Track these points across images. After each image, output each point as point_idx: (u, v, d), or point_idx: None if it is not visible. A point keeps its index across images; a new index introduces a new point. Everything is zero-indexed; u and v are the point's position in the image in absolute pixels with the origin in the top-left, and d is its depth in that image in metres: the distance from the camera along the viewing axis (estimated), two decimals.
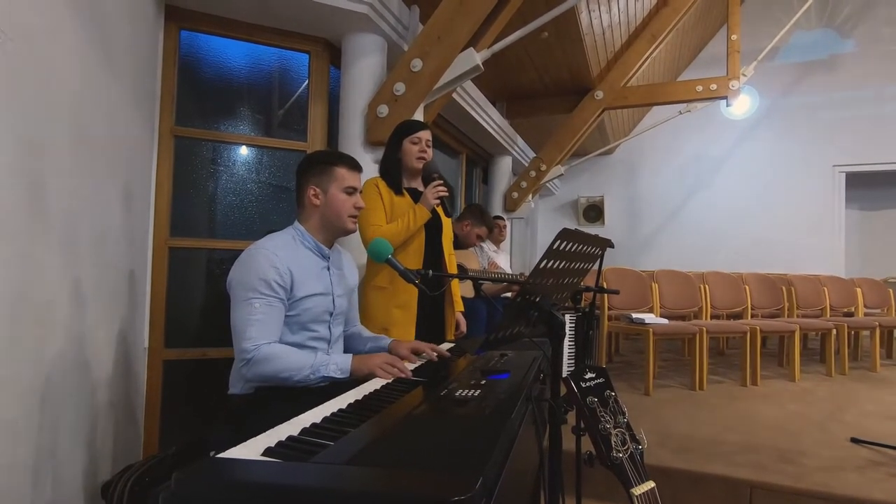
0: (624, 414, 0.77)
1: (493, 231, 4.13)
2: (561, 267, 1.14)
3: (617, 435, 0.73)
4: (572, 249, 1.12)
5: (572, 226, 8.03)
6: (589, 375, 0.79)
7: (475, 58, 2.79)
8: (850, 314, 4.83)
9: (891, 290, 5.05)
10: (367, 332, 1.76)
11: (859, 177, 7.07)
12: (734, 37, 5.07)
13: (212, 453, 1.96)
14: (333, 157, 1.55)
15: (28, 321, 1.40)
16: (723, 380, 3.64)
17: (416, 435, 0.78)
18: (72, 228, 1.62)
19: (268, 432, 0.80)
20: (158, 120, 2.51)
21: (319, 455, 0.69)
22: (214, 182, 2.76)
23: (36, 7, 1.39)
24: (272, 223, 2.88)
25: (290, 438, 0.77)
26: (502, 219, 4.33)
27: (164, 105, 2.52)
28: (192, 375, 2.65)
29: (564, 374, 2.72)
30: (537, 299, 1.08)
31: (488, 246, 3.98)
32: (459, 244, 3.35)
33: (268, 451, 0.72)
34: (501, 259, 4.03)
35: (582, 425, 0.79)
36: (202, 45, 2.72)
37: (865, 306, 4.86)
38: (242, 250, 1.47)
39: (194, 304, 2.73)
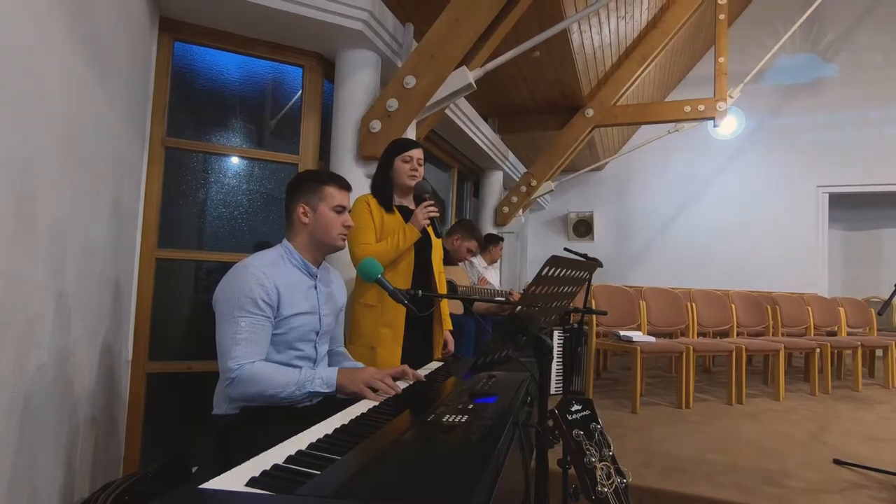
0: (609, 447, 0.77)
1: (489, 249, 4.15)
2: (550, 292, 1.15)
3: (602, 469, 0.73)
4: (561, 275, 1.13)
5: (562, 240, 8.10)
6: (575, 408, 0.79)
7: (468, 76, 2.82)
8: (834, 333, 4.90)
9: (872, 310, 5.13)
10: (348, 360, 1.73)
11: (842, 197, 7.21)
12: (721, 59, 5.18)
13: (193, 470, 1.92)
14: (323, 177, 1.56)
15: (10, 335, 1.37)
16: (709, 398, 3.66)
17: (402, 464, 0.78)
18: (58, 240, 1.60)
19: (252, 460, 0.79)
20: (150, 130, 2.50)
21: (305, 486, 0.68)
22: (204, 193, 2.74)
23: (25, 16, 1.39)
24: (261, 235, 2.87)
25: (274, 468, 0.77)
26: (502, 239, 4.33)
27: (156, 116, 2.52)
28: (176, 389, 2.60)
29: (552, 391, 2.70)
30: (526, 324, 1.09)
31: (479, 261, 4.00)
32: (449, 259, 3.36)
33: (252, 482, 0.71)
34: (491, 275, 4.05)
35: (568, 459, 0.79)
36: (196, 56, 2.72)
37: (848, 325, 4.93)
38: (231, 262, 1.46)
39: (180, 316, 2.69)
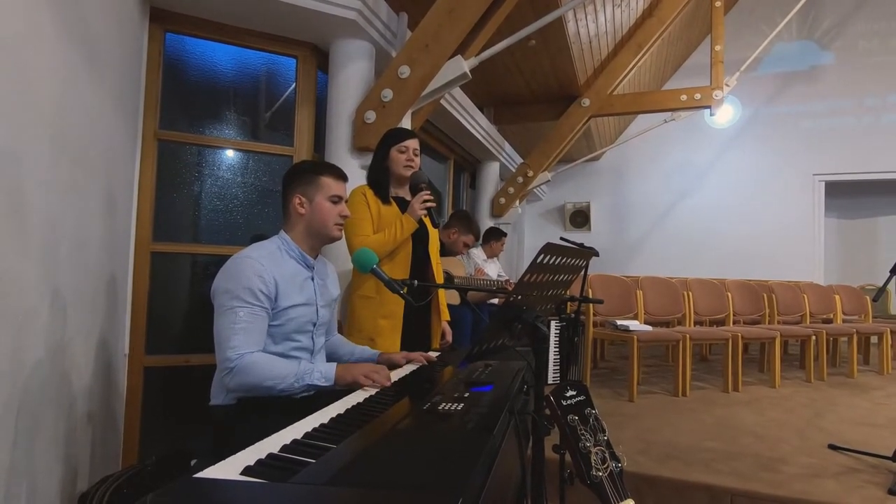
0: (604, 431, 0.77)
1: (490, 243, 4.13)
2: (545, 280, 1.15)
3: (597, 453, 0.74)
4: (556, 263, 1.13)
5: (559, 231, 8.10)
6: (570, 393, 0.80)
7: (463, 65, 2.80)
8: (829, 321, 4.93)
9: (867, 298, 5.16)
10: (347, 345, 1.75)
11: (838, 186, 7.22)
12: (718, 47, 5.16)
13: (192, 462, 1.93)
14: (319, 167, 1.56)
15: (5, 331, 1.37)
16: (705, 386, 3.68)
17: (397, 452, 0.78)
18: (51, 235, 1.59)
19: (247, 449, 0.79)
20: (142, 123, 2.48)
21: (300, 475, 0.68)
22: (199, 186, 2.73)
23: (13, 10, 1.37)
24: (257, 228, 2.86)
25: (270, 456, 0.77)
26: (504, 234, 4.29)
27: (148, 108, 2.49)
28: (174, 382, 2.61)
29: (549, 381, 2.71)
30: (521, 312, 1.09)
31: (477, 253, 3.99)
32: (446, 252, 3.35)
33: (247, 470, 0.71)
34: (491, 268, 4.04)
35: (562, 444, 0.79)
36: (188, 47, 2.69)
37: (843, 313, 4.96)
38: (226, 255, 1.46)
39: (177, 309, 2.69)
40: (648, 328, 3.49)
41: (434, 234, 2.20)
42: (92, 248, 1.93)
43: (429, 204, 2.00)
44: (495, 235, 4.19)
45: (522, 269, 1.05)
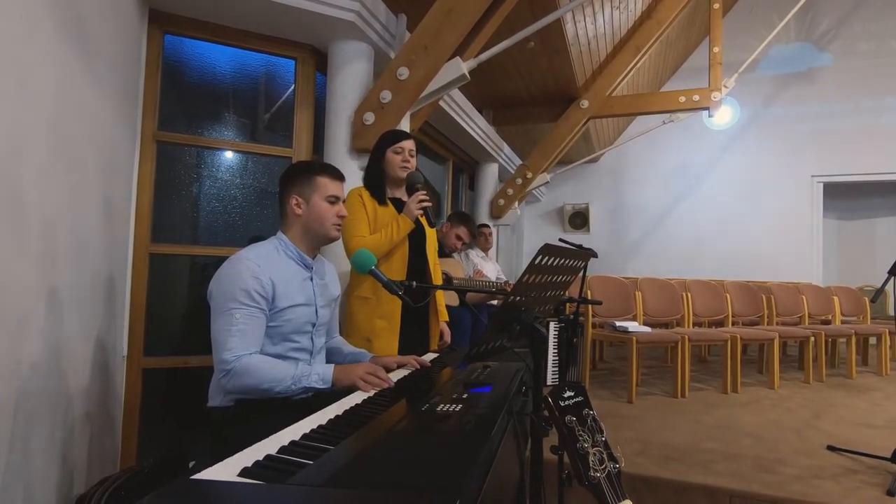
0: (602, 432, 0.77)
1: (474, 233, 4.15)
2: (543, 281, 1.15)
3: (595, 454, 0.74)
4: (555, 264, 1.13)
5: (558, 232, 8.10)
6: (568, 394, 0.79)
7: (462, 67, 2.80)
8: (828, 322, 4.93)
9: (866, 298, 5.16)
10: (347, 347, 1.75)
11: (836, 187, 7.24)
12: (716, 49, 5.17)
13: (191, 464, 1.93)
14: (315, 167, 1.56)
15: (2, 332, 1.36)
16: (704, 387, 3.68)
17: (395, 453, 0.78)
18: (49, 236, 1.59)
19: (245, 451, 0.79)
20: (141, 125, 2.47)
21: (298, 476, 0.68)
22: (198, 188, 2.72)
23: (12, 10, 1.37)
24: (256, 229, 2.86)
25: (267, 458, 0.76)
26: (488, 226, 4.33)
27: (147, 110, 2.49)
28: (172, 384, 2.60)
29: (548, 382, 2.71)
30: (520, 313, 1.09)
31: (475, 253, 4.00)
32: (442, 249, 3.36)
33: (245, 472, 0.71)
34: (489, 267, 4.05)
35: (561, 445, 0.79)
36: (187, 49, 2.69)
37: (842, 314, 4.96)
38: (225, 257, 1.45)
39: (175, 311, 2.68)
40: (647, 329, 3.49)
41: (431, 235, 2.20)
42: (90, 249, 1.92)
43: (425, 203, 2.00)
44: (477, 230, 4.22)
45: (521, 271, 1.05)
